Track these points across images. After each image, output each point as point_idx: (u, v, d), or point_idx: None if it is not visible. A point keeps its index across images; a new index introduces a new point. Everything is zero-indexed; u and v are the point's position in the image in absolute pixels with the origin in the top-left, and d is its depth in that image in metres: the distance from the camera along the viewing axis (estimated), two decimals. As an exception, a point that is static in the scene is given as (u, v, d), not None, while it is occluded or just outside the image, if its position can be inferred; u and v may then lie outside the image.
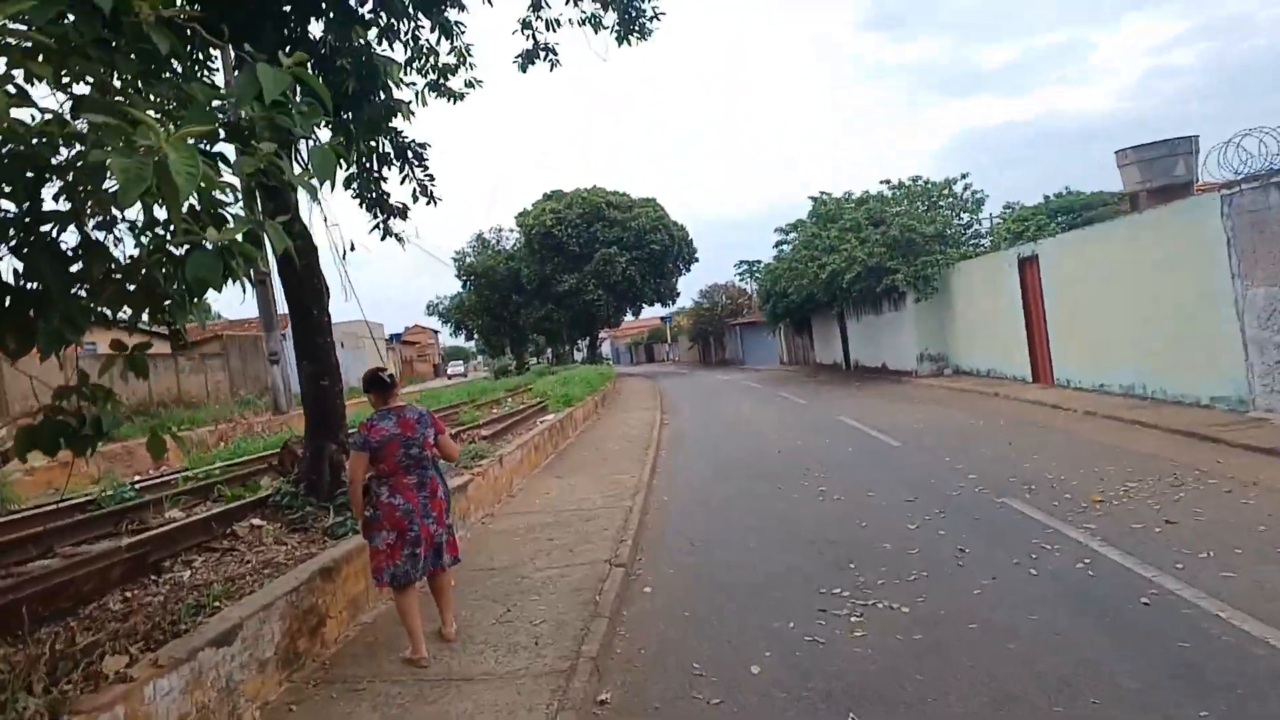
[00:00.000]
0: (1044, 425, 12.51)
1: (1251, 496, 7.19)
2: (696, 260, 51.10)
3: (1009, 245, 20.58)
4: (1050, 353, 16.60)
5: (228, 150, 3.07)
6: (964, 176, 23.90)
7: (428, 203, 8.37)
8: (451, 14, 8.13)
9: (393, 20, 7.55)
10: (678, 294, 52.40)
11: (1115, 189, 22.53)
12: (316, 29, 7.01)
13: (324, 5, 6.60)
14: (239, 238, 2.82)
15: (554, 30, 9.56)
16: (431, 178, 8.21)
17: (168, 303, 3.13)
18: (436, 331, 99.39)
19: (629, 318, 58.83)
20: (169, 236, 2.89)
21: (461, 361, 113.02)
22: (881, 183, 25.25)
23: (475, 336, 57.74)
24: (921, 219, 22.91)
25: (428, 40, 8.33)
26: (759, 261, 74.10)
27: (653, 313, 65.72)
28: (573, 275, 46.62)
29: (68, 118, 2.66)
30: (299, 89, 3.16)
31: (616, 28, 8.56)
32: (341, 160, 3.79)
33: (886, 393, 20.78)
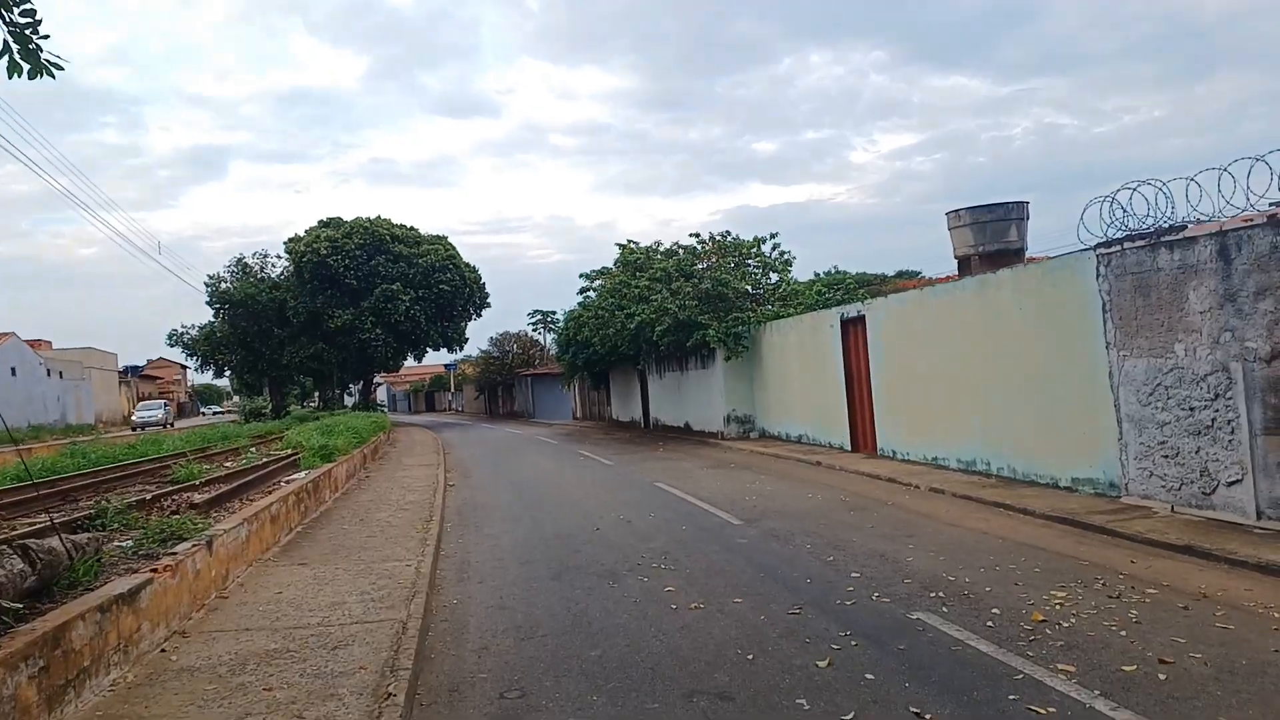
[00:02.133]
0: (891, 504, 11.03)
1: (1219, 616, 5.69)
2: (489, 305, 48.20)
3: (823, 305, 19.82)
4: (874, 421, 15.56)
5: None
6: (773, 236, 23.25)
7: (32, 73, 4.78)
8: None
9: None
10: (466, 339, 49.08)
11: (875, 272, 23.35)
12: None
13: None
14: None
15: None
16: (35, 25, 4.68)
17: None
18: (185, 366, 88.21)
19: (410, 362, 54.47)
20: None
21: (214, 405, 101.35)
22: (690, 235, 24.13)
23: (228, 373, 50.73)
24: (733, 274, 21.81)
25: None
26: (553, 312, 71.60)
27: (436, 358, 61.72)
28: (348, 311, 42.05)
29: None
30: None
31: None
32: None
33: (696, 455, 19.05)
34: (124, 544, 6.86)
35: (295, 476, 12.76)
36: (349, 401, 63.69)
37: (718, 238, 23.34)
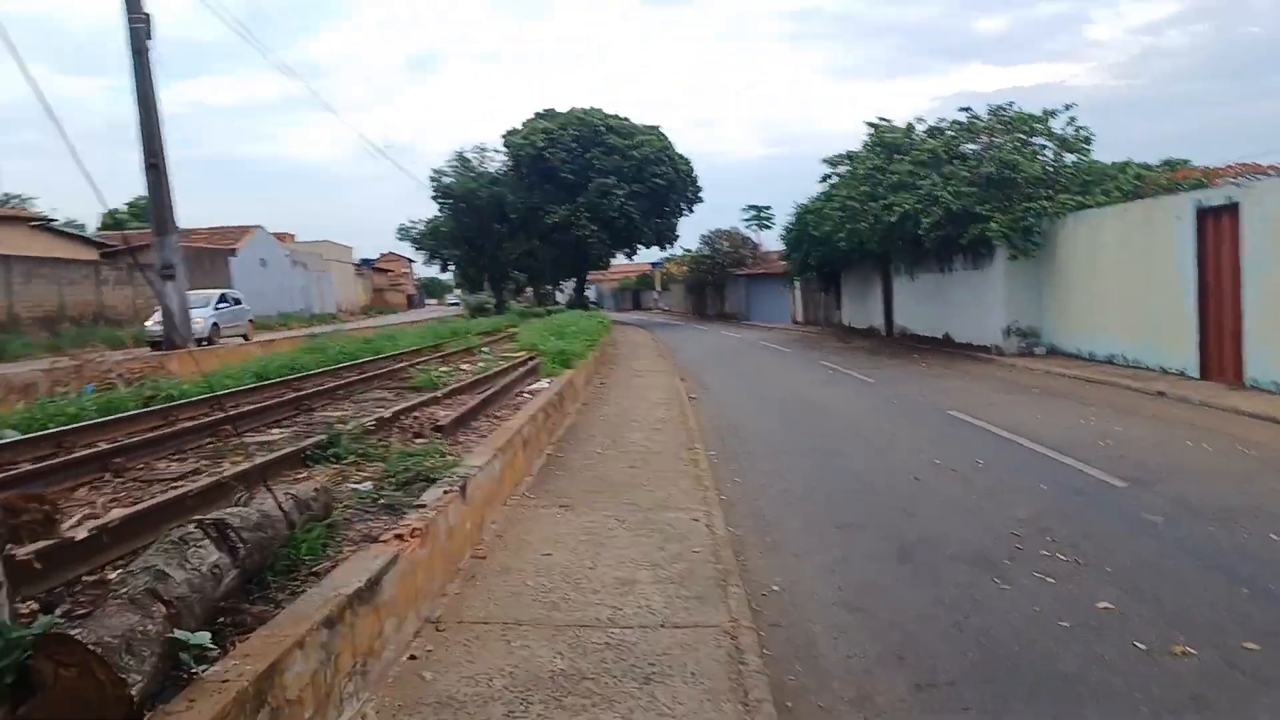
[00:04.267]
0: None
1: None
2: (701, 200, 45.89)
3: (1152, 193, 15.72)
4: (1242, 342, 11.87)
5: None
6: (1068, 108, 18.83)
7: None
8: None
9: None
10: (678, 236, 47.21)
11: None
12: None
13: None
14: None
15: None
16: None
17: None
18: (412, 261, 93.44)
19: (618, 259, 53.63)
20: None
21: (434, 299, 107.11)
22: (961, 110, 20.20)
23: (451, 268, 52.16)
24: (1025, 155, 17.92)
25: None
26: (768, 208, 68.75)
27: (644, 256, 60.52)
28: (564, 206, 41.19)
29: None
30: None
31: None
32: None
33: (975, 374, 16.04)
34: (360, 488, 5.33)
35: (538, 385, 11.30)
36: (560, 299, 64.43)
37: (1000, 109, 19.30)
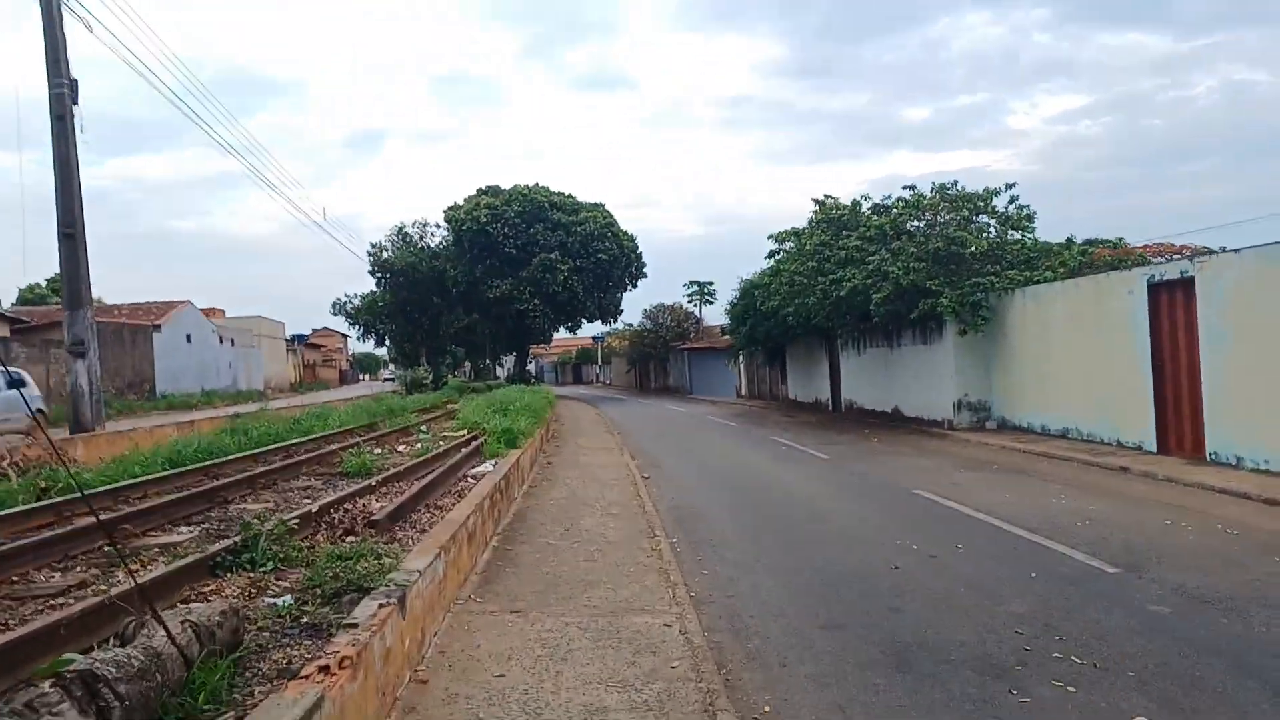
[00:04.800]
0: (1328, 546, 7.51)
1: None
2: (645, 275, 45.93)
3: (1095, 269, 15.94)
4: (1203, 416, 11.78)
5: None
6: (1009, 187, 19.23)
7: None
8: None
9: None
10: (621, 310, 47.02)
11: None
12: None
13: None
14: None
15: None
16: None
17: None
18: (346, 335, 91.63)
19: (560, 333, 53.22)
20: None
21: (368, 374, 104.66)
22: (905, 188, 20.46)
23: (387, 342, 50.91)
24: (970, 231, 18.12)
25: None
26: (710, 283, 69.46)
27: (584, 330, 60.20)
28: (506, 281, 40.71)
29: None
30: None
31: None
32: None
33: (930, 450, 15.74)
34: (279, 602, 4.50)
35: (482, 468, 10.49)
36: (500, 373, 63.39)
37: (943, 188, 19.59)
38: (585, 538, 8.61)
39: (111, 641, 3.61)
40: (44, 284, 51.22)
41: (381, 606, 4.47)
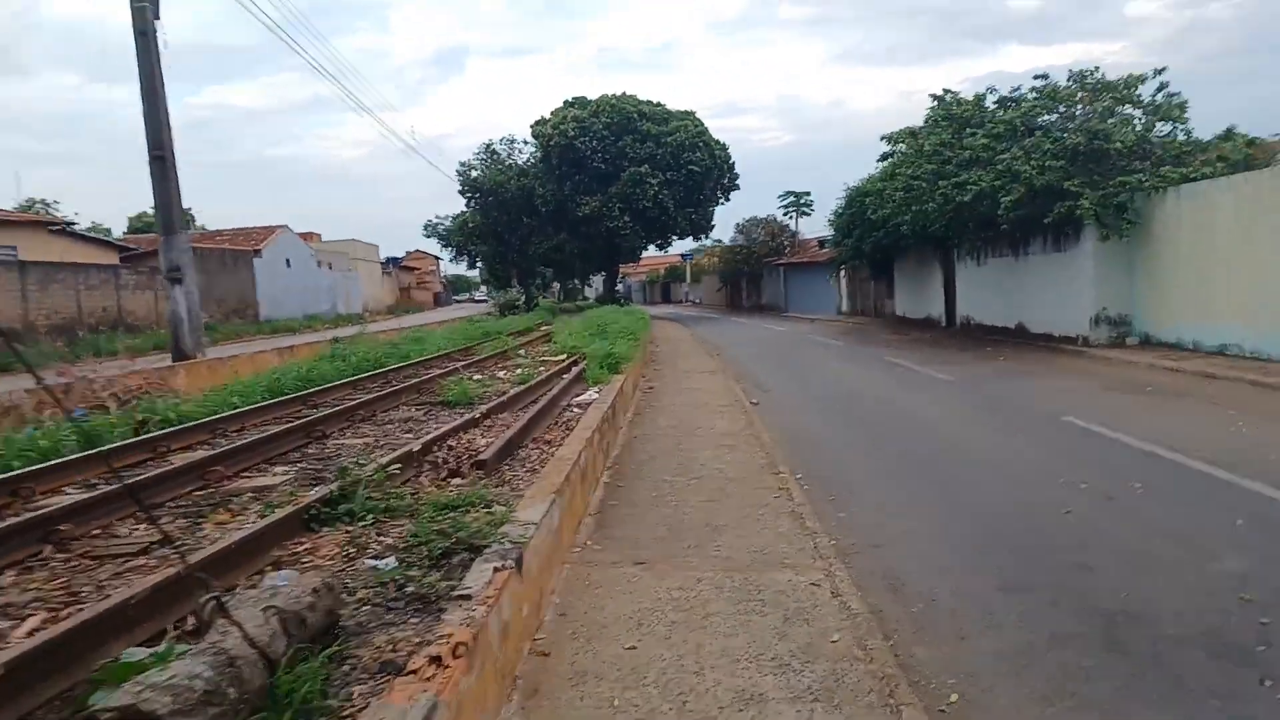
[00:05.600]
0: None
1: None
2: (738, 187, 44.12)
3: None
4: None
5: None
6: (1158, 72, 16.95)
7: None
8: None
9: None
10: (713, 225, 45.49)
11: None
12: None
13: None
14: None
15: None
16: None
17: None
18: (439, 258, 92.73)
19: (650, 251, 52.08)
20: None
21: (461, 295, 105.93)
22: (1036, 78, 18.35)
23: (479, 264, 50.95)
24: (1114, 124, 16.12)
25: None
26: (807, 193, 66.73)
27: (678, 247, 58.89)
28: (595, 197, 39.69)
29: None
30: None
31: None
32: None
33: (1068, 369, 14.35)
34: (381, 565, 3.90)
35: (587, 396, 9.85)
36: (589, 293, 63.05)
37: (1083, 74, 17.47)
38: (702, 473, 7.89)
39: (189, 622, 3.04)
40: (151, 212, 53.03)
41: (497, 570, 3.82)
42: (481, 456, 5.84)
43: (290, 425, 7.74)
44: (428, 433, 7.32)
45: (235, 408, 9.55)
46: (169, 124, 14.60)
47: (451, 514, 4.71)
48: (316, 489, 5.10)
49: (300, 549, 4.12)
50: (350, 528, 4.45)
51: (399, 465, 5.19)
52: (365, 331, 19.61)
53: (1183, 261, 14.64)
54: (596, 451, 7.52)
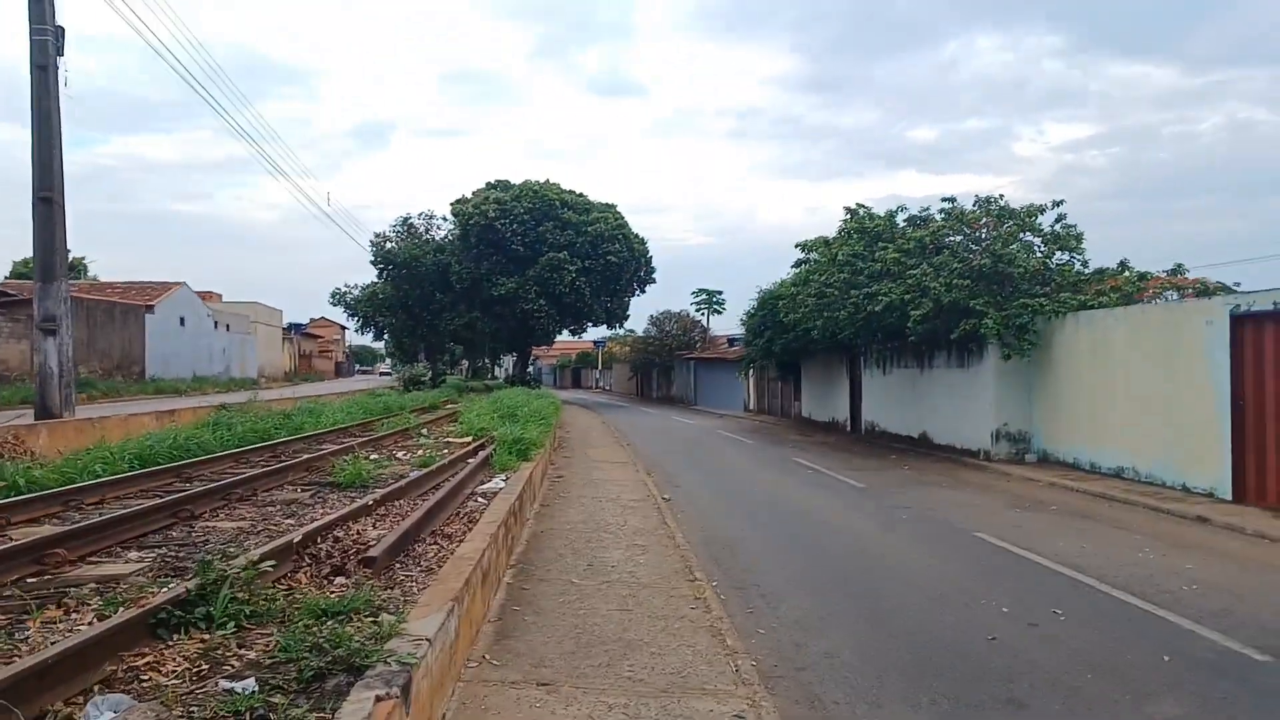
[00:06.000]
0: None
1: None
2: (654, 280, 44.72)
3: (1156, 294, 14.77)
4: (1293, 464, 10.58)
5: None
6: (1057, 204, 18.02)
7: None
8: None
9: None
10: (628, 315, 45.77)
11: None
12: None
13: None
14: None
15: None
16: None
17: None
18: (344, 327, 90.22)
19: (562, 336, 51.91)
20: None
21: (383, 364, 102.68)
22: (944, 200, 19.27)
23: (385, 336, 49.59)
24: (1020, 249, 16.93)
25: None
26: (719, 292, 68.38)
27: (590, 334, 59.02)
28: (512, 279, 39.44)
29: None
30: None
31: None
32: None
33: (970, 483, 14.52)
34: (238, 688, 3.24)
35: (492, 485, 9.24)
36: (499, 373, 62.09)
37: (988, 201, 18.40)
38: (613, 576, 7.37)
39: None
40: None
41: (379, 699, 3.21)
42: (370, 553, 5.19)
43: (157, 502, 6.85)
44: (312, 519, 6.58)
45: (97, 476, 8.53)
46: (62, 167, 13.63)
47: (331, 622, 4.07)
48: (172, 585, 4.36)
49: (141, 662, 3.41)
50: (207, 636, 3.75)
51: (273, 562, 4.50)
52: (256, 399, 18.40)
53: (1080, 384, 15.21)
54: (500, 548, 6.92)
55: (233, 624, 3.86)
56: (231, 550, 5.07)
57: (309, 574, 5.00)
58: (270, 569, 4.36)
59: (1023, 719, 4.75)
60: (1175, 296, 15.65)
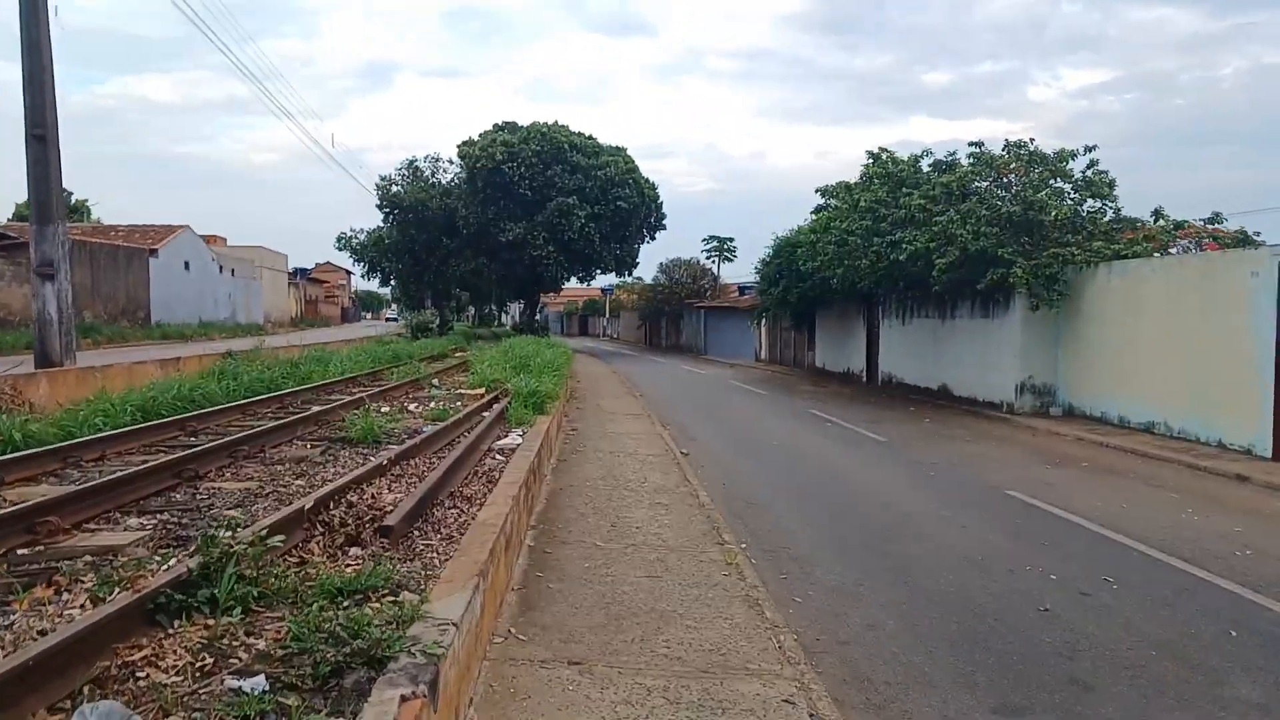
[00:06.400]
0: None
1: None
2: (664, 227, 43.90)
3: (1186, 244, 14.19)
4: (1342, 422, 10.15)
5: None
6: (1089, 149, 17.30)
7: None
8: None
9: None
10: (638, 262, 45.10)
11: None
12: None
13: None
14: None
15: None
16: None
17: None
18: (350, 272, 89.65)
19: (571, 282, 51.27)
20: None
21: (389, 310, 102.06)
22: (972, 144, 18.52)
23: (392, 282, 49.07)
24: (1050, 195, 16.26)
25: None
26: (730, 239, 67.27)
27: (598, 281, 58.27)
28: (520, 224, 38.72)
29: None
30: None
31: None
32: None
33: (993, 436, 14.16)
34: (245, 686, 2.89)
35: (509, 440, 8.88)
36: (505, 320, 61.66)
37: (1018, 145, 17.66)
38: (638, 538, 7.03)
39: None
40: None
41: (404, 700, 2.86)
42: (387, 520, 4.82)
43: (159, 460, 6.49)
44: (324, 480, 6.22)
45: (98, 430, 8.19)
46: (54, 102, 13.02)
47: (348, 603, 3.72)
48: (172, 563, 4.00)
49: (138, 656, 3.06)
50: (211, 622, 3.40)
51: (281, 537, 4.13)
52: (263, 346, 18.03)
53: (1110, 337, 14.72)
54: (522, 511, 6.57)
55: (239, 608, 3.50)
56: (237, 519, 4.70)
57: (322, 544, 4.65)
58: (280, 544, 3.98)
59: (1091, 703, 4.40)
60: (1200, 249, 15.02)
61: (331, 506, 5.03)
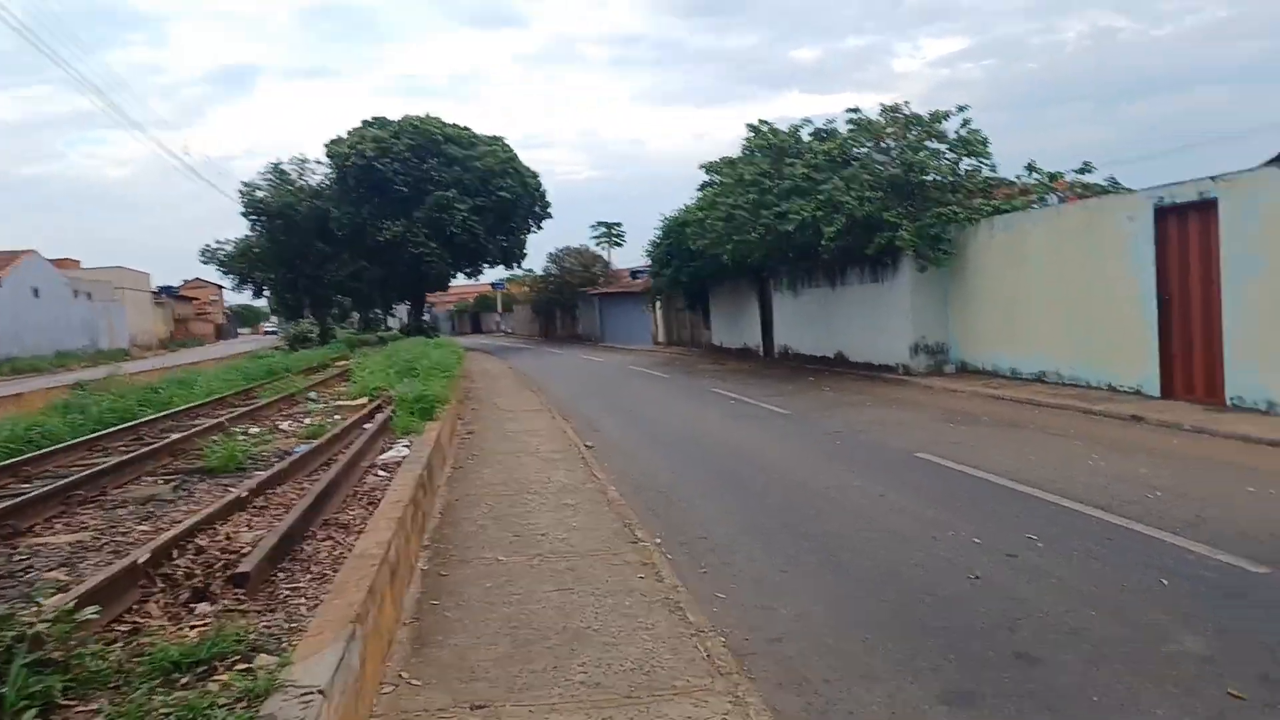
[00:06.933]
0: None
1: None
2: (550, 216, 43.10)
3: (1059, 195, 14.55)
4: (1223, 356, 10.49)
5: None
6: (961, 109, 17.57)
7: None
8: None
9: None
10: (525, 253, 44.11)
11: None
12: None
13: None
14: None
15: None
16: None
17: None
18: (221, 287, 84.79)
19: (459, 279, 49.77)
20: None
21: (268, 323, 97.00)
22: (849, 110, 18.57)
23: (266, 293, 46.44)
24: (928, 156, 16.44)
25: None
26: (618, 224, 66.75)
27: (486, 277, 56.82)
28: (399, 222, 37.14)
29: None
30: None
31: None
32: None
33: (893, 399, 14.22)
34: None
35: (394, 453, 8.11)
36: (392, 324, 59.49)
37: (894, 109, 17.80)
38: (545, 546, 6.46)
39: None
40: None
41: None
42: (242, 566, 4.08)
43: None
44: (172, 523, 5.38)
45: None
46: None
47: (186, 679, 3.01)
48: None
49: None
50: (0, 730, 2.64)
51: (96, 608, 3.35)
52: (119, 373, 16.41)
53: (997, 291, 14.99)
54: (411, 533, 5.89)
55: (35, 709, 2.74)
56: (53, 584, 3.88)
57: (162, 603, 3.88)
58: (95, 616, 3.22)
59: (1041, 678, 4.11)
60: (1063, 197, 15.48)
61: (175, 555, 4.24)
